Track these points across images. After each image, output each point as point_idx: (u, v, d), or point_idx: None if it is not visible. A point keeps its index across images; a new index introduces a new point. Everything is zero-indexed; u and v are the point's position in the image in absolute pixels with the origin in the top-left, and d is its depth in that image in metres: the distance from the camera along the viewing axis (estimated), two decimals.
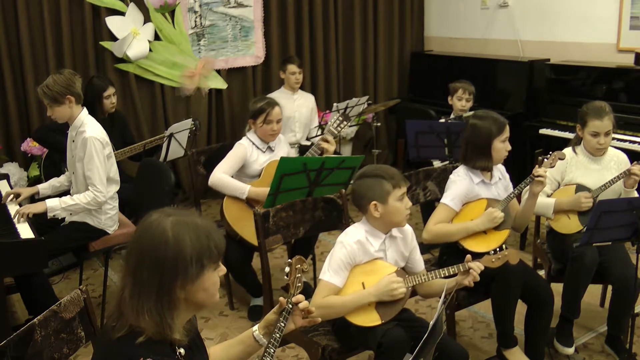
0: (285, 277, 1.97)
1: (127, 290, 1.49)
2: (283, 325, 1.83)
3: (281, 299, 1.85)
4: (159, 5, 5.12)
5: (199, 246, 1.50)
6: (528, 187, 2.91)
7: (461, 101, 4.50)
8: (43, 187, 3.49)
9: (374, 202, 2.38)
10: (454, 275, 2.44)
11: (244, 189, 3.42)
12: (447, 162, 3.99)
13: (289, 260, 1.99)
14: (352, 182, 2.60)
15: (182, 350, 1.57)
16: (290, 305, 1.85)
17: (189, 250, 1.48)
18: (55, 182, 3.51)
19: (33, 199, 3.50)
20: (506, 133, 2.89)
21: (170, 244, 1.47)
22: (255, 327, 1.87)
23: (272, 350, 1.81)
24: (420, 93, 6.26)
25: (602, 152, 3.12)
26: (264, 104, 3.55)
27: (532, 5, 5.62)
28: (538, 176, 2.83)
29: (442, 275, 2.45)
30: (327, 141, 3.57)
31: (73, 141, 3.29)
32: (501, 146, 2.87)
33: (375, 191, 2.38)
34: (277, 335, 1.82)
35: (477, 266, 2.37)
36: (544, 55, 5.43)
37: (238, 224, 3.38)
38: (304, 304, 1.86)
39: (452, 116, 4.55)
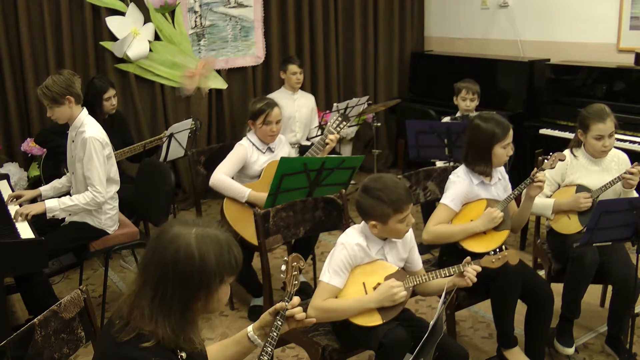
0: (282, 275, 1.96)
1: (146, 301, 1.50)
2: (280, 324, 1.83)
3: (280, 304, 1.85)
4: (159, 5, 5.12)
5: (222, 261, 1.54)
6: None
7: (465, 101, 4.42)
8: (45, 189, 3.49)
9: (373, 222, 2.38)
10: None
11: (244, 192, 3.41)
12: (448, 162, 3.98)
13: (286, 258, 1.98)
14: (356, 190, 2.56)
15: (183, 354, 1.57)
16: (287, 302, 1.85)
17: (213, 266, 1.52)
18: (57, 184, 3.51)
19: (35, 200, 3.50)
20: (509, 139, 2.85)
21: (196, 260, 1.50)
22: (250, 328, 1.87)
23: (270, 349, 1.80)
24: (420, 93, 6.26)
25: (606, 154, 3.11)
26: (264, 104, 3.54)
27: (532, 5, 5.62)
28: (537, 179, 2.81)
29: (442, 276, 2.45)
30: (331, 137, 3.60)
31: (73, 141, 3.29)
32: (502, 152, 2.85)
33: (375, 212, 2.35)
34: (275, 334, 1.82)
35: (473, 269, 2.37)
36: (544, 55, 5.43)
37: (238, 224, 3.38)
38: (300, 315, 1.86)
39: (458, 114, 4.49)
